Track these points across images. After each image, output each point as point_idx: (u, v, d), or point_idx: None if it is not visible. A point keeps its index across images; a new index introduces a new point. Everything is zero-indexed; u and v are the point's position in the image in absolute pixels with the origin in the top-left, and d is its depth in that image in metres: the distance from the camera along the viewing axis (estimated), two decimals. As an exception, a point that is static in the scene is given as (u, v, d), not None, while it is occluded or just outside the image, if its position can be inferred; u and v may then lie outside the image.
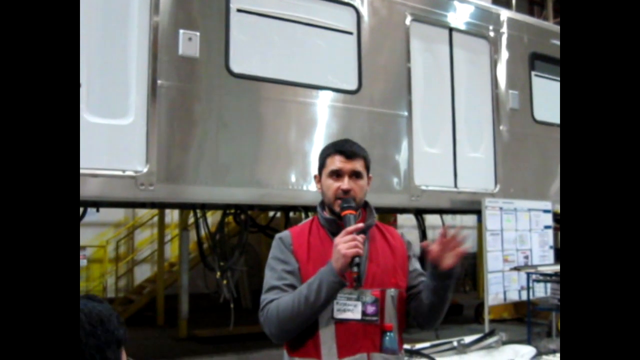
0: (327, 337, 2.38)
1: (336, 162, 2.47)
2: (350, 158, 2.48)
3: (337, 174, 2.47)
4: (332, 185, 2.46)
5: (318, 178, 2.57)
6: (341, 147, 2.50)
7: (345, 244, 2.25)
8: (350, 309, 2.39)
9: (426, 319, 2.55)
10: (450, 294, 2.48)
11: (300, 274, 2.43)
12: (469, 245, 2.10)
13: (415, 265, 2.60)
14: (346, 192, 2.44)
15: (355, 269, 2.31)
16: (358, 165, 2.48)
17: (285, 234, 2.56)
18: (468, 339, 4.07)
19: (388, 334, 2.42)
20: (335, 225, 2.47)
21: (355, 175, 2.47)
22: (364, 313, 2.40)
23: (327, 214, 2.52)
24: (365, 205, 2.57)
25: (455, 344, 3.96)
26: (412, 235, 7.57)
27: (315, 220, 2.56)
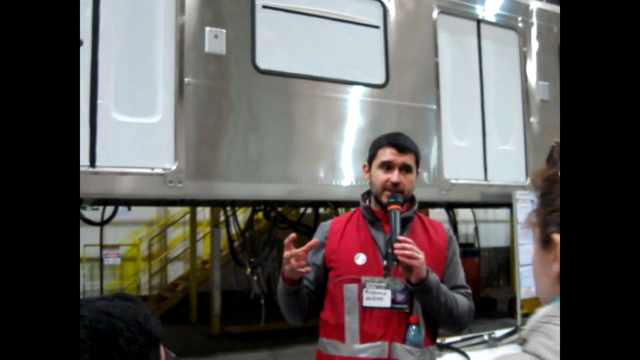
0: (351, 322, 2.41)
1: (388, 154, 2.50)
2: (402, 152, 2.50)
3: (387, 166, 2.49)
4: (382, 176, 2.49)
5: (367, 168, 2.60)
6: (394, 140, 2.52)
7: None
8: (379, 297, 2.40)
9: (439, 324, 2.54)
10: (440, 305, 2.40)
11: (327, 257, 2.51)
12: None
13: (455, 267, 2.58)
14: (395, 184, 2.46)
15: (385, 262, 2.35)
16: (409, 159, 2.50)
17: (327, 222, 2.65)
18: (499, 333, 4.03)
19: (413, 326, 2.39)
20: (374, 214, 2.52)
21: (405, 168, 2.49)
22: (393, 301, 2.40)
23: (369, 203, 2.56)
24: (412, 198, 2.58)
25: (486, 337, 3.92)
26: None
27: (359, 209, 2.60)
